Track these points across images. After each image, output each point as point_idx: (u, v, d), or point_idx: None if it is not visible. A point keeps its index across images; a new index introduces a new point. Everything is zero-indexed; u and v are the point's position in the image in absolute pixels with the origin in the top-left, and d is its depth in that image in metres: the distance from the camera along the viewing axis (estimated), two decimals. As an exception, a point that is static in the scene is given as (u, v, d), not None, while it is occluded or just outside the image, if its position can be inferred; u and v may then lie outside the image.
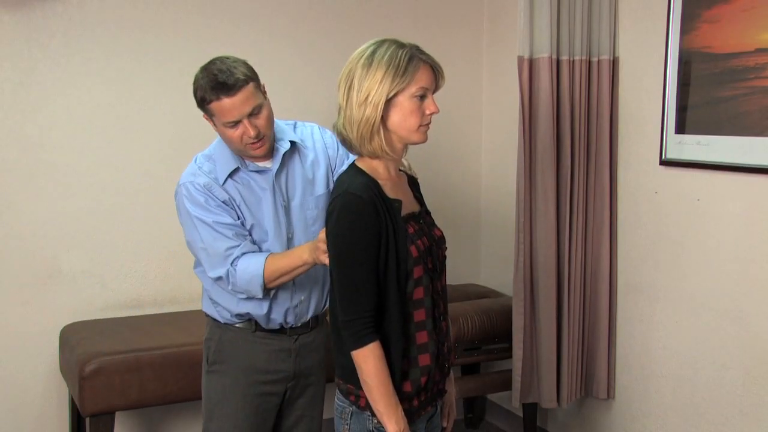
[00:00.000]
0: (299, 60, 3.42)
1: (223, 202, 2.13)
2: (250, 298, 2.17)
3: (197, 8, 3.21)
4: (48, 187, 3.06)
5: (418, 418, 1.80)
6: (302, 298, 2.24)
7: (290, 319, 2.24)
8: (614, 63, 3.00)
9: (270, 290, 2.14)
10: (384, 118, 1.72)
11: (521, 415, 3.33)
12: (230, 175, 2.14)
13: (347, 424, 1.80)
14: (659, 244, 2.91)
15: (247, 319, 2.22)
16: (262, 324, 2.22)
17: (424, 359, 1.77)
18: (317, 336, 2.33)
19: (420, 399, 1.80)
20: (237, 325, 2.23)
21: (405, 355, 1.75)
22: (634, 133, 2.98)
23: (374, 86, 1.69)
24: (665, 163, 2.85)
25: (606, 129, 3.01)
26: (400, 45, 1.72)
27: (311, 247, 2.04)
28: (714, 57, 2.64)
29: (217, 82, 2.02)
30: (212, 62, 2.09)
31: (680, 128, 2.78)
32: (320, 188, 2.25)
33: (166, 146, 3.19)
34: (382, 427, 1.75)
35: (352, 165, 1.80)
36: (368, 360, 1.69)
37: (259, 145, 2.10)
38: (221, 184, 2.13)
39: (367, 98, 1.69)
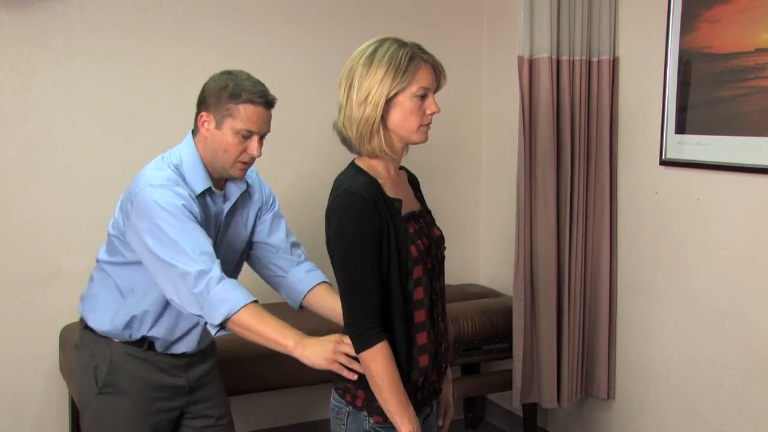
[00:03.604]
0: (297, 62, 3.42)
1: (195, 217, 1.99)
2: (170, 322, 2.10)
3: (197, 9, 3.21)
4: (48, 187, 3.06)
5: None
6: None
7: (190, 350, 2.18)
8: (614, 63, 3.00)
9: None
10: (384, 118, 1.71)
11: (521, 415, 3.33)
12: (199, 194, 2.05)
13: (344, 425, 1.79)
14: (659, 244, 2.91)
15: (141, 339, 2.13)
16: (158, 348, 2.14)
17: (424, 360, 1.76)
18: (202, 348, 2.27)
19: (417, 399, 1.79)
20: (128, 342, 2.13)
21: (407, 356, 1.74)
22: (634, 133, 2.98)
23: (374, 85, 1.68)
24: (665, 163, 2.85)
25: (606, 129, 3.01)
26: (402, 44, 1.71)
27: (303, 342, 1.84)
28: (714, 57, 2.64)
29: (261, 90, 2.01)
30: (242, 72, 2.05)
31: (680, 128, 2.78)
32: (244, 234, 2.22)
33: (166, 146, 3.16)
34: (380, 428, 1.75)
35: (352, 164, 1.79)
36: (377, 360, 1.67)
37: (247, 168, 2.09)
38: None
39: (367, 97, 1.68)
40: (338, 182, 1.76)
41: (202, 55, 3.23)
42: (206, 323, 1.93)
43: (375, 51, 1.70)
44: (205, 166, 2.07)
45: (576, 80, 2.96)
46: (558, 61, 2.92)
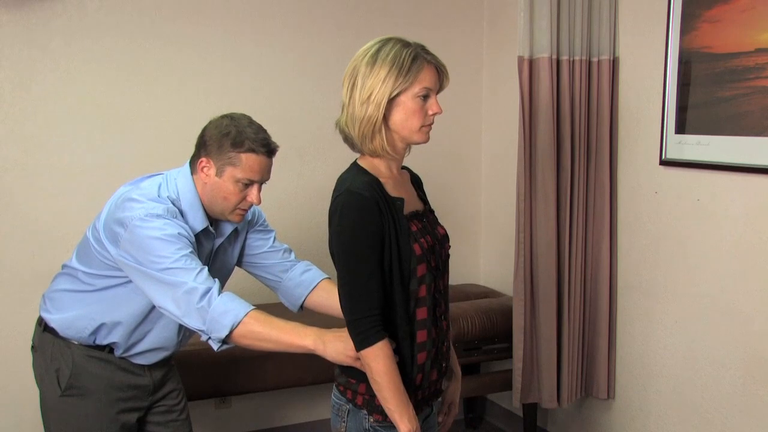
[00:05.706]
0: (297, 63, 3.42)
1: (192, 245, 1.99)
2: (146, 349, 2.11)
3: (196, 10, 3.21)
4: (48, 187, 3.06)
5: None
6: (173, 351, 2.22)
7: (148, 363, 2.19)
8: (614, 63, 3.00)
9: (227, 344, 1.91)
10: (386, 117, 1.71)
11: (521, 415, 3.33)
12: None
13: (344, 422, 1.80)
14: (659, 244, 2.91)
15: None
16: (116, 353, 2.13)
17: (421, 357, 1.77)
18: None
19: (416, 398, 1.79)
20: (89, 345, 2.12)
21: (408, 353, 1.74)
22: (634, 133, 2.98)
23: (377, 85, 1.68)
24: (665, 163, 2.85)
25: (606, 129, 3.01)
26: (406, 44, 1.71)
27: (323, 338, 1.83)
28: (714, 57, 2.64)
29: (264, 138, 2.00)
30: (244, 116, 2.03)
31: (680, 128, 2.78)
32: (233, 260, 2.24)
33: (165, 146, 3.19)
34: (379, 427, 1.76)
35: (354, 164, 1.80)
36: (378, 359, 1.68)
37: (245, 213, 2.09)
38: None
39: (369, 97, 1.69)
40: (340, 181, 1.76)
41: (202, 56, 3.24)
42: (208, 339, 1.90)
43: (378, 50, 1.70)
44: (203, 207, 2.07)
45: (576, 80, 2.96)
46: (558, 61, 2.93)
